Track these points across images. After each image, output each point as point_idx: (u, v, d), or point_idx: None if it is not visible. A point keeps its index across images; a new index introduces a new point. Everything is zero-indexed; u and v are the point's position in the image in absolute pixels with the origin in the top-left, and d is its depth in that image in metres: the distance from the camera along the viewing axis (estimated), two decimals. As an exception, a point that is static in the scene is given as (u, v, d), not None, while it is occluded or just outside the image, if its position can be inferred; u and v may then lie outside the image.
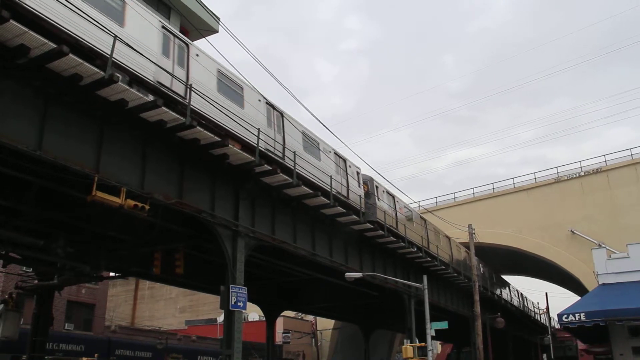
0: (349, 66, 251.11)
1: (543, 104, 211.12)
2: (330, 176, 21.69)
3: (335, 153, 22.93)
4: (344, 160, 23.54)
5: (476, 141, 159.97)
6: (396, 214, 27.58)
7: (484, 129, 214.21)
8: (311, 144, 21.23)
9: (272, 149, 18.43)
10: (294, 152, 19.54)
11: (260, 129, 17.43)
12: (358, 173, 24.61)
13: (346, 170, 23.37)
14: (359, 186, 24.30)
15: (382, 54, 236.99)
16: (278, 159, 18.61)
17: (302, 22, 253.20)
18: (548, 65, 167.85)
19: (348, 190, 22.88)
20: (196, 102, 15.19)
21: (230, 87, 17.11)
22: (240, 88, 17.46)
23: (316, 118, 20.37)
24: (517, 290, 57.15)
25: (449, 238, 36.46)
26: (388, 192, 27.47)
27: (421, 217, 32.52)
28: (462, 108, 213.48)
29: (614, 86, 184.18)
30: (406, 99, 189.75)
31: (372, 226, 24.67)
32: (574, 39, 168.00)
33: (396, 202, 28.04)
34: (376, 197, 25.34)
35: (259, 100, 18.30)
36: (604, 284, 30.11)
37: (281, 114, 19.65)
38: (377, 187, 25.92)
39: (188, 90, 14.95)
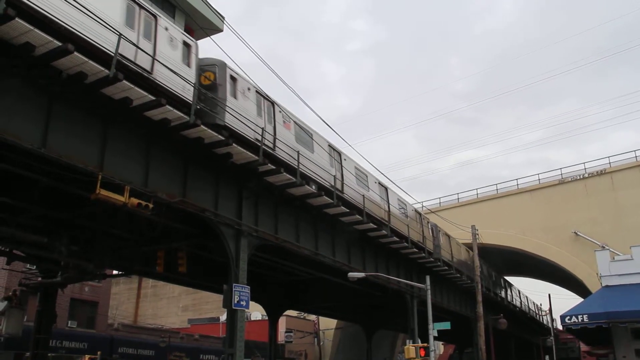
0: (355, 67, 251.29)
1: (548, 105, 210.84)
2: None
3: None
4: (155, 17, 14.82)
5: (480, 142, 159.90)
6: (274, 129, 18.68)
7: (489, 130, 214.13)
8: None
9: None
10: (300, 151, 19.55)
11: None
12: (187, 45, 15.64)
13: (155, 30, 14.61)
14: (187, 65, 15.38)
15: (388, 55, 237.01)
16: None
17: (309, 24, 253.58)
18: (553, 67, 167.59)
19: (154, 59, 14.08)
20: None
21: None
22: None
23: (321, 118, 20.37)
24: (519, 292, 57.07)
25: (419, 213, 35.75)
26: (265, 97, 18.64)
27: (334, 151, 23.10)
28: (467, 109, 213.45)
29: (618, 88, 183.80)
30: (411, 99, 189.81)
31: (374, 226, 24.66)
32: (579, 41, 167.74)
33: (280, 113, 19.29)
34: (227, 92, 16.46)
35: None
36: (607, 286, 30.03)
37: None
38: (234, 78, 16.97)
39: (194, 88, 14.97)
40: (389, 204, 26.61)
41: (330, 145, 22.41)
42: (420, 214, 31.16)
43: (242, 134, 16.63)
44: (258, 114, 17.90)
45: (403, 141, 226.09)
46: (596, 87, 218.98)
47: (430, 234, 32.33)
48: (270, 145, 18.06)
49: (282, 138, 18.79)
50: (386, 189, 26.65)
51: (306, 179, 19.58)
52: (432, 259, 30.82)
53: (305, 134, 20.60)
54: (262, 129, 17.67)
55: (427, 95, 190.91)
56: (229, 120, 16.10)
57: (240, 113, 16.70)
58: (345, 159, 23.21)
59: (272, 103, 18.97)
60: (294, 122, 20.05)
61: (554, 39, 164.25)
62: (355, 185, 23.54)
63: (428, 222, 32.82)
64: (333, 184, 21.59)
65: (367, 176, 24.99)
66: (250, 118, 17.22)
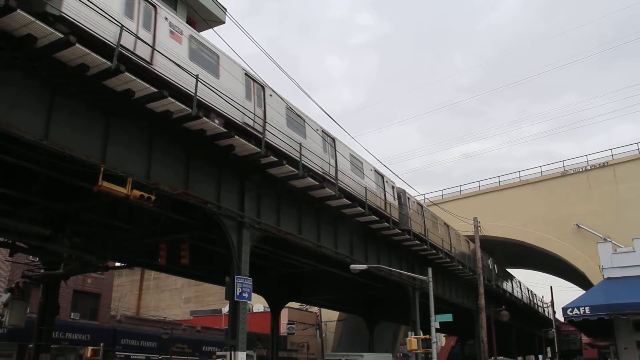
0: (359, 61, 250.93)
1: (551, 98, 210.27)
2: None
3: None
4: None
5: (483, 135, 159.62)
6: (154, 36, 14.33)
7: (492, 123, 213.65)
8: None
9: None
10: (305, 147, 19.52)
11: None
12: None
13: None
14: None
15: (392, 50, 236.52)
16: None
17: (313, 18, 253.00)
18: (556, 60, 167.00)
19: None
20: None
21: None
22: None
23: (323, 110, 20.34)
24: (521, 284, 57.15)
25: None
26: None
27: (255, 83, 18.37)
28: (470, 102, 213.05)
29: (621, 81, 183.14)
30: (415, 91, 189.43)
31: (377, 218, 24.65)
32: (581, 34, 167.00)
33: (166, 21, 14.99)
34: None
35: None
36: (609, 278, 29.97)
37: None
38: None
39: (195, 82, 14.94)
40: (336, 157, 22.55)
41: (247, 75, 18.04)
42: (382, 176, 26.86)
43: (90, 32, 12.37)
44: (125, 13, 13.64)
45: (407, 134, 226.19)
46: (599, 80, 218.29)
47: (395, 200, 27.76)
48: (147, 58, 13.83)
49: (167, 51, 14.50)
50: (333, 140, 22.77)
51: (206, 110, 15.58)
52: (434, 251, 30.82)
53: (207, 54, 16.36)
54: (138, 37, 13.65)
55: (431, 88, 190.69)
56: (71, 11, 12.00)
57: (89, 5, 12.42)
58: (270, 95, 19.06)
59: (154, 6, 14.71)
60: (191, 35, 15.88)
61: (557, 32, 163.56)
62: (286, 129, 19.28)
63: (393, 187, 28.32)
64: (252, 123, 17.44)
65: (304, 120, 20.89)
66: (109, 15, 12.88)
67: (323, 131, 22.05)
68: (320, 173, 20.77)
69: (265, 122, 18.00)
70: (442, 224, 34.54)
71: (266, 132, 17.77)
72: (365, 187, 24.14)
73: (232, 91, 16.78)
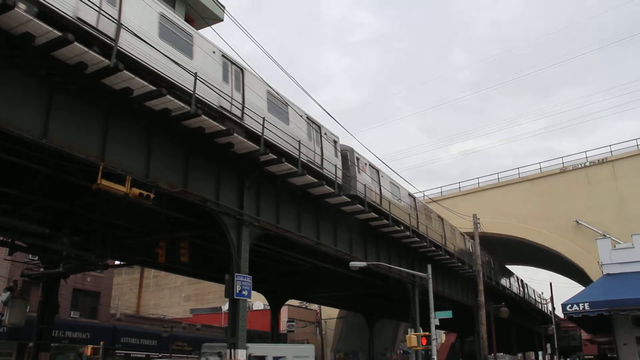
0: (359, 58, 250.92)
1: (551, 95, 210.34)
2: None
3: None
4: None
5: (484, 131, 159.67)
6: None
7: (492, 119, 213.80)
8: None
9: None
10: (299, 142, 19.51)
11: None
12: None
13: None
14: None
15: (392, 47, 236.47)
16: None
17: (314, 16, 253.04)
18: (556, 56, 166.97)
19: None
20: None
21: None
22: None
23: (322, 107, 20.32)
24: (521, 280, 57.22)
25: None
26: None
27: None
28: (471, 100, 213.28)
29: (621, 77, 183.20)
30: (415, 88, 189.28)
31: (376, 216, 24.65)
32: (582, 31, 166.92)
33: None
34: None
35: None
36: (608, 274, 30.02)
37: None
38: None
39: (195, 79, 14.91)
40: (243, 91, 17.78)
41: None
42: (319, 126, 22.37)
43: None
44: None
45: (407, 131, 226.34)
46: (599, 77, 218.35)
47: (337, 157, 23.21)
48: None
49: None
50: (242, 69, 18.02)
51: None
52: (433, 248, 30.83)
53: None
54: None
55: (432, 84, 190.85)
56: None
57: None
58: None
59: None
60: None
61: (557, 28, 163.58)
62: (159, 41, 14.58)
63: (336, 142, 23.60)
64: (95, 22, 12.69)
65: (192, 37, 16.12)
66: None
67: (224, 56, 17.36)
68: (216, 107, 16.35)
69: (120, 24, 13.13)
70: (406, 196, 29.78)
71: (120, 39, 13.04)
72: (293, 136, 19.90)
73: None
